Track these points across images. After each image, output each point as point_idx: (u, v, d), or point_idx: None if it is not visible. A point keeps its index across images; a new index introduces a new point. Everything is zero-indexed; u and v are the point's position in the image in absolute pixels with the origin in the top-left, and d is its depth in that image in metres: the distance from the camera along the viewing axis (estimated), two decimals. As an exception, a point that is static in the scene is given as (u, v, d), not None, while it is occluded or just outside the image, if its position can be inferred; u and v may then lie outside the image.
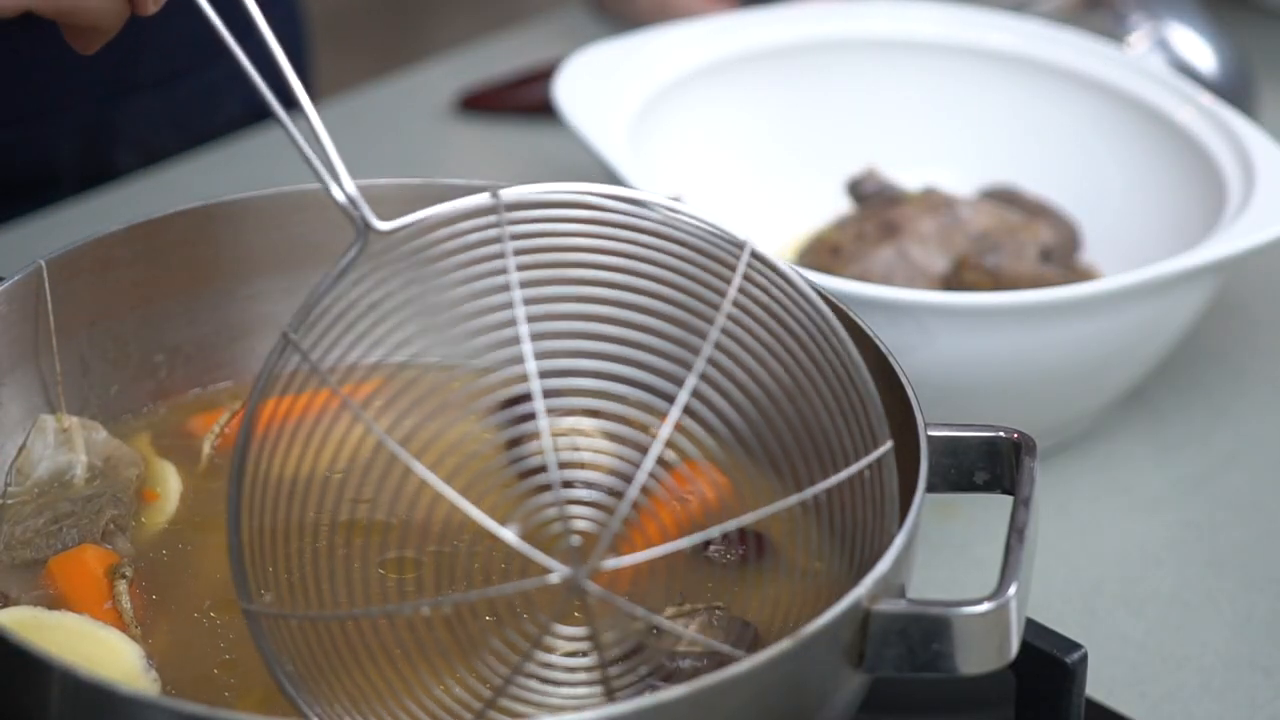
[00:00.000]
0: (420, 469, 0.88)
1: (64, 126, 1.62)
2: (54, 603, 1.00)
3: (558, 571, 0.88)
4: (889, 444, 0.96)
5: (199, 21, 1.56)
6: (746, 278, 0.94)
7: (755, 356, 0.95)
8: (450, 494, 0.88)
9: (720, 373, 0.93)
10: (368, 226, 0.91)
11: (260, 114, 1.71)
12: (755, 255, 0.94)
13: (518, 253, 0.90)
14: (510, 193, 0.90)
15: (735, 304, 0.93)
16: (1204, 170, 1.39)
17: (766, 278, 0.95)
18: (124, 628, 0.99)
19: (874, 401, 0.96)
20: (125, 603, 1.00)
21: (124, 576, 1.01)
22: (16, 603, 1.00)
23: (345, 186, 0.92)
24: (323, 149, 0.92)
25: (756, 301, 0.95)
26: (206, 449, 1.10)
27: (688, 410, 0.91)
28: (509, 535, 0.88)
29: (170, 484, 1.08)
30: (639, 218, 0.94)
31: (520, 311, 0.89)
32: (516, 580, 0.88)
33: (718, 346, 0.93)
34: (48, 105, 1.60)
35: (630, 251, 0.93)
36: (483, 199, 0.90)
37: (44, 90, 1.60)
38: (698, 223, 0.94)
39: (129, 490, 1.06)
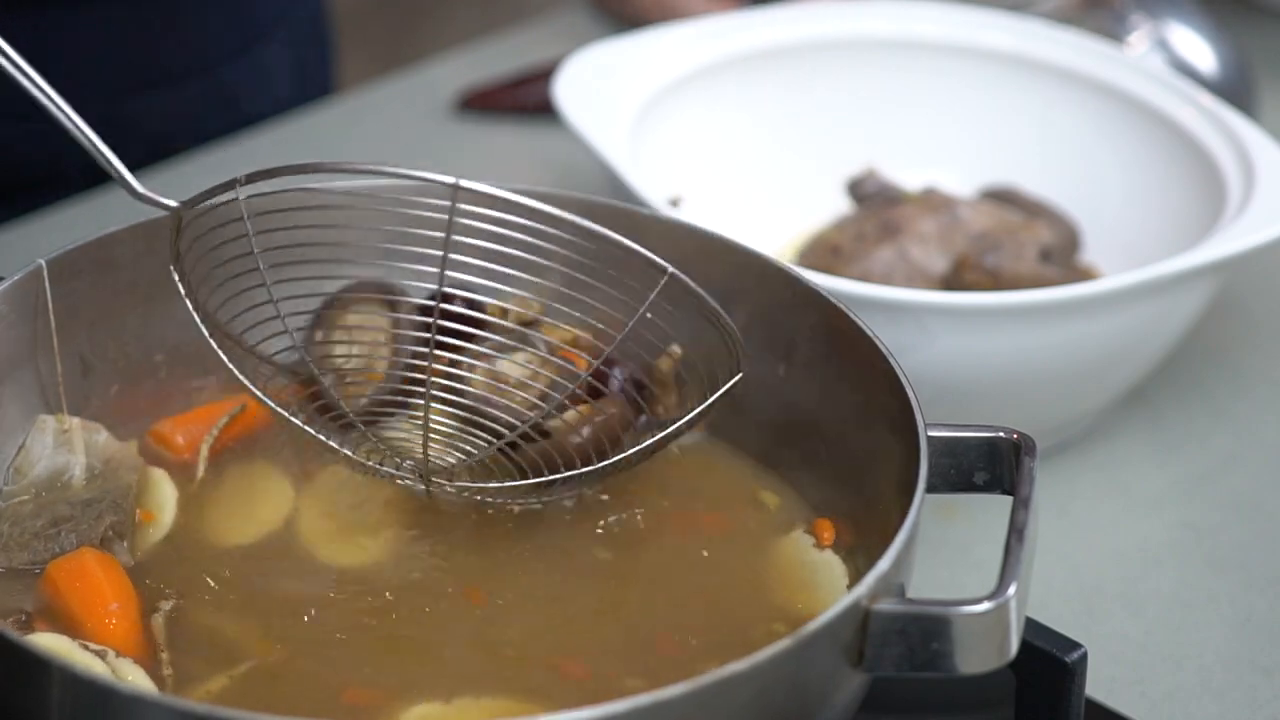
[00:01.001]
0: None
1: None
2: (53, 607, 1.00)
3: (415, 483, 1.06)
4: (666, 274, 1.00)
5: (211, 20, 1.58)
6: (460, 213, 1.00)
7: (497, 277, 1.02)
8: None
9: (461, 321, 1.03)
10: (170, 207, 1.05)
11: (269, 113, 1.71)
12: (465, 189, 0.99)
13: (259, 233, 1.02)
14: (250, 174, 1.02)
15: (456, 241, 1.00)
16: (1204, 170, 1.39)
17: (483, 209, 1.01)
18: (155, 651, 0.99)
19: (633, 251, 1.00)
20: (159, 634, 0.99)
21: (158, 610, 1.01)
22: (30, 615, 1.00)
23: (135, 187, 1.06)
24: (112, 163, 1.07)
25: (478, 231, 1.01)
26: (204, 452, 1.10)
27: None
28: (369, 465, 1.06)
29: (165, 490, 1.08)
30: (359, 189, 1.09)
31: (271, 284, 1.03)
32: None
33: (449, 282, 1.01)
34: (63, 99, 1.61)
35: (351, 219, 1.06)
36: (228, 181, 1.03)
37: (54, 85, 1.60)
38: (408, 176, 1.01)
39: (128, 496, 1.05)
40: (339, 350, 1.08)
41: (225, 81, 1.69)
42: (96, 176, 1.63)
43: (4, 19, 1.57)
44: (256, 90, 1.72)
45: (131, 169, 1.61)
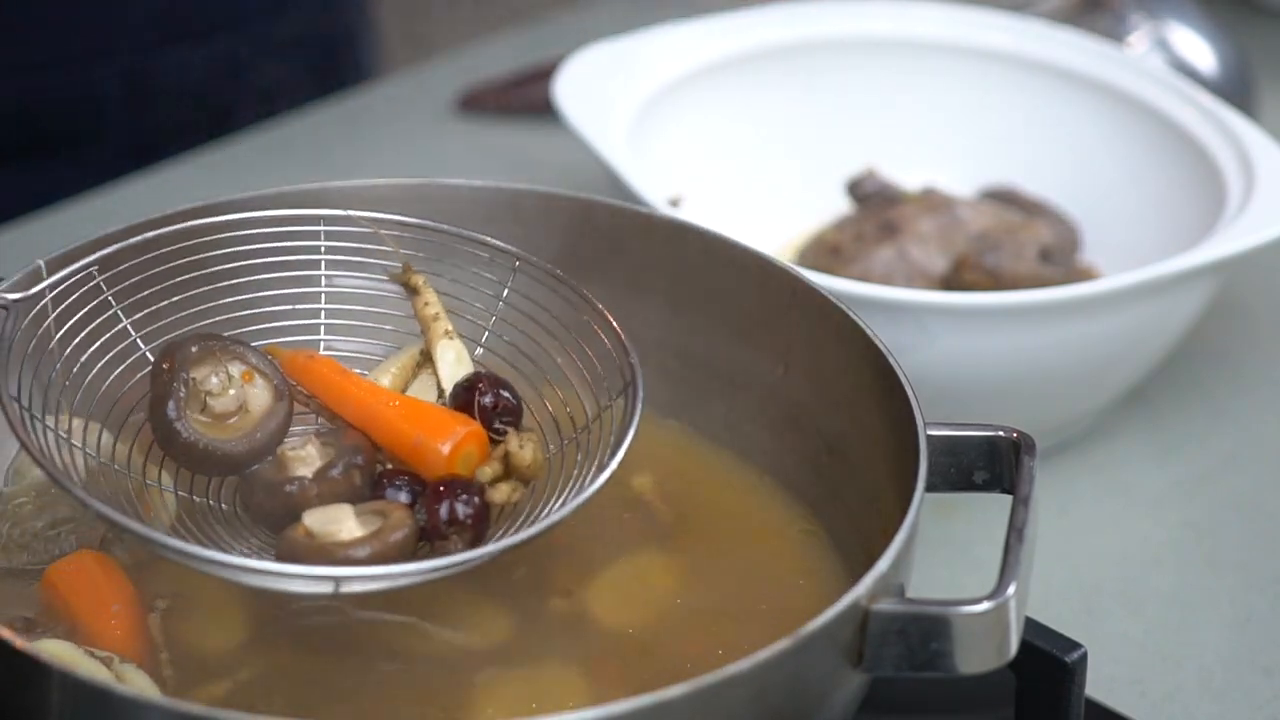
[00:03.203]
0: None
1: (109, 71, 1.62)
2: (53, 609, 1.00)
3: None
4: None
5: None
6: None
7: None
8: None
9: None
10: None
11: (299, 73, 1.72)
12: None
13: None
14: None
15: None
16: (1204, 170, 1.39)
17: None
18: (155, 651, 0.99)
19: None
20: (157, 634, 0.99)
21: (155, 609, 1.00)
22: (31, 617, 1.00)
23: None
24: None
25: None
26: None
27: None
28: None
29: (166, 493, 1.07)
30: None
31: None
32: None
33: None
34: (93, 49, 1.61)
35: None
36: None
37: (89, 33, 1.60)
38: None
39: (129, 497, 1.05)
40: None
41: (255, 36, 1.70)
42: (135, 129, 1.63)
43: None
44: (285, 49, 1.73)
45: (160, 120, 1.65)
